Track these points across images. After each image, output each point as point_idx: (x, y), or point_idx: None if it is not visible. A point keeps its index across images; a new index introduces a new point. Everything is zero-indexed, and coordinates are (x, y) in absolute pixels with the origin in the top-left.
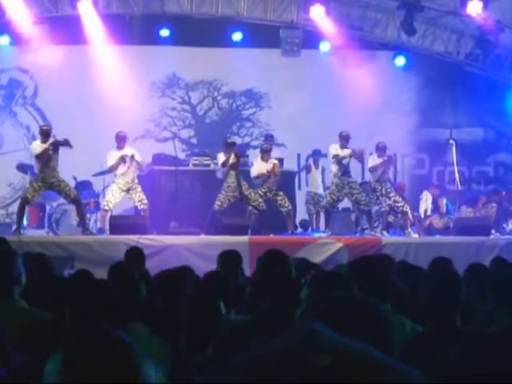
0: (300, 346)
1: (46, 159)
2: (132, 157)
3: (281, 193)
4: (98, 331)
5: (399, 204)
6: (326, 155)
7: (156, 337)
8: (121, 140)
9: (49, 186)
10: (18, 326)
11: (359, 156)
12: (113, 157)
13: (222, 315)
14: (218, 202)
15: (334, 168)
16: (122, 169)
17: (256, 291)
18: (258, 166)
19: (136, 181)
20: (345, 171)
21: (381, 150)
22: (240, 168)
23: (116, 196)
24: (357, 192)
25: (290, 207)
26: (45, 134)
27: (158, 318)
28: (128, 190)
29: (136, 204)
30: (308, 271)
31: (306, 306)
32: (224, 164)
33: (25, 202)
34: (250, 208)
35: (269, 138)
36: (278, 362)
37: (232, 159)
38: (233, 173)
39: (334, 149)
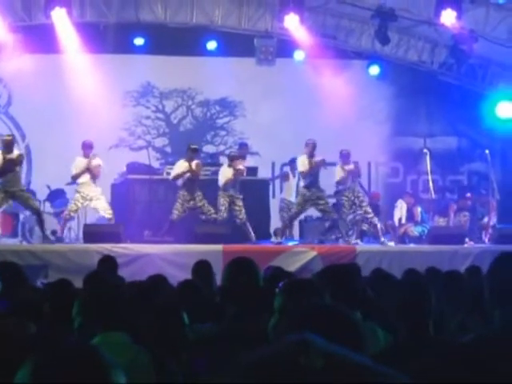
0: (293, 351)
1: (5, 171)
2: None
3: (240, 203)
4: (68, 339)
5: (369, 215)
6: None
7: (137, 345)
8: (87, 148)
9: (11, 196)
10: None
11: (324, 166)
12: (78, 165)
13: (184, 324)
14: (175, 212)
15: (302, 180)
16: (84, 178)
17: (223, 299)
18: (225, 173)
19: (99, 190)
20: (312, 182)
21: (345, 157)
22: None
23: (78, 205)
24: (323, 203)
25: (245, 217)
26: (7, 146)
27: (133, 327)
28: (91, 200)
29: (101, 213)
30: (282, 280)
31: (278, 314)
32: (176, 177)
33: None
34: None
35: (243, 146)
36: (274, 364)
37: (192, 168)
38: (188, 183)
39: (302, 163)
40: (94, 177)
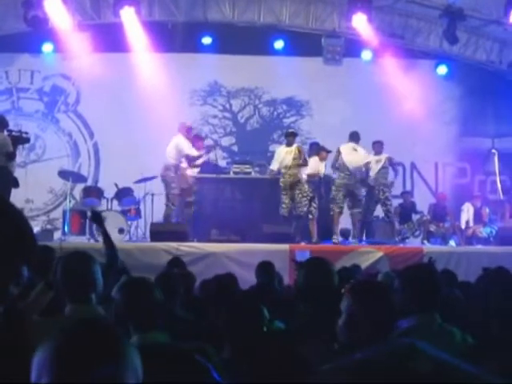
0: (403, 354)
1: None
2: None
3: (316, 200)
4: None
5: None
6: None
7: None
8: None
9: None
10: None
11: None
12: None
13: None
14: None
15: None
16: None
17: (297, 298)
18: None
19: None
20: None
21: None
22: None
23: None
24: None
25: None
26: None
27: None
28: None
29: None
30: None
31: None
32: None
33: None
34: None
35: (314, 146)
36: (382, 365)
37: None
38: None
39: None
40: None
